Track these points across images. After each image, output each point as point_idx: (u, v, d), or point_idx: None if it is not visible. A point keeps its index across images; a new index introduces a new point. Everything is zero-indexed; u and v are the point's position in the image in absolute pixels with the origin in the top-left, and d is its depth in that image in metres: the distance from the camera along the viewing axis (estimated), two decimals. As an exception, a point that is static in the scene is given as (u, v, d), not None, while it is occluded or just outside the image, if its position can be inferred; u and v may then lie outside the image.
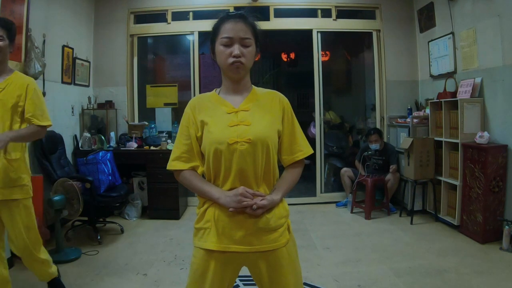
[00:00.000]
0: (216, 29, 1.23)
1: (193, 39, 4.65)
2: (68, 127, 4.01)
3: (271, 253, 1.21)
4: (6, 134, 1.86)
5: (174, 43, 5.34)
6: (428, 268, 2.71)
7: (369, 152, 4.21)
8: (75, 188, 2.99)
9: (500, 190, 3.15)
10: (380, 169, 4.27)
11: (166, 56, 5.61)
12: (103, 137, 4.13)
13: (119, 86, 4.61)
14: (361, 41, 5.39)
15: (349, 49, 6.09)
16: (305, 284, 2.39)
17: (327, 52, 5.68)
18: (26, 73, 3.19)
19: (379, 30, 4.71)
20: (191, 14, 4.67)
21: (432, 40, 4.28)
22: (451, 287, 2.43)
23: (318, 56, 4.68)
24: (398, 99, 4.68)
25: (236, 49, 1.18)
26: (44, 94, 3.53)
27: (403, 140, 4.01)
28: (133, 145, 4.15)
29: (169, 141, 4.25)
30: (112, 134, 4.32)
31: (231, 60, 1.19)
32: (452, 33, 3.88)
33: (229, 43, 1.19)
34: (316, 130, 4.72)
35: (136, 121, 4.60)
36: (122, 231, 3.60)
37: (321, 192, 4.74)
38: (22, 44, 3.15)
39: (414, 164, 3.74)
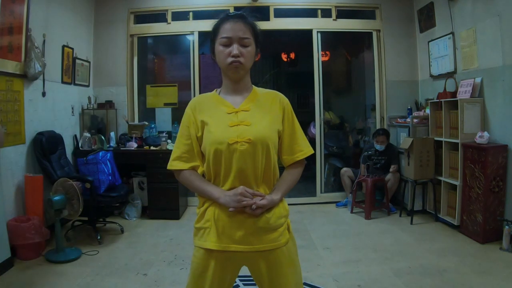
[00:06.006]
0: (216, 29, 1.24)
1: (193, 39, 4.65)
2: (68, 127, 4.01)
3: (271, 253, 1.21)
4: None
5: (174, 43, 5.34)
6: (428, 268, 2.71)
7: (369, 152, 4.21)
8: (75, 188, 2.99)
9: (500, 190, 3.15)
10: (381, 168, 4.27)
11: (166, 56, 5.61)
12: (103, 137, 4.13)
13: (119, 86, 4.61)
14: (361, 41, 5.39)
15: (349, 49, 6.09)
16: (305, 284, 2.39)
17: (327, 52, 5.67)
18: (26, 73, 3.19)
19: (379, 30, 4.71)
20: (191, 14, 4.66)
21: (432, 40, 4.28)
22: (451, 287, 2.43)
23: (318, 56, 4.68)
24: (398, 99, 4.68)
25: (234, 49, 1.19)
26: (44, 94, 3.54)
27: (403, 140, 4.01)
28: (133, 145, 4.15)
29: (169, 141, 4.25)
30: (112, 134, 4.32)
31: (230, 59, 1.19)
32: (452, 33, 3.88)
33: (228, 43, 1.20)
34: (316, 130, 4.72)
35: (136, 121, 4.60)
36: (122, 231, 3.60)
37: (321, 192, 4.74)
38: (22, 44, 3.14)
39: (414, 164, 3.74)
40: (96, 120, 4.44)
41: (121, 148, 4.17)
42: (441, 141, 3.69)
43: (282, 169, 1.33)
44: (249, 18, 1.24)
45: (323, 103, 4.75)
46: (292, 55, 6.48)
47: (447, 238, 3.34)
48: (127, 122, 4.40)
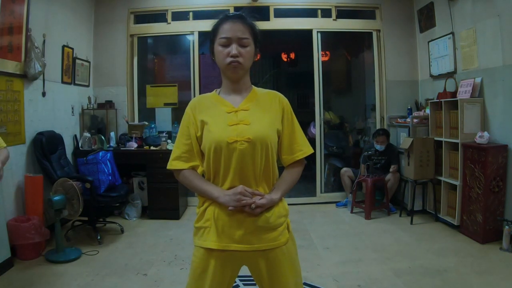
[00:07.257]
0: (215, 29, 1.24)
1: (193, 39, 4.65)
2: (68, 127, 4.01)
3: (270, 252, 1.21)
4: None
5: (174, 43, 5.34)
6: (428, 268, 2.71)
7: (369, 152, 4.21)
8: (75, 188, 2.99)
9: (500, 190, 3.15)
10: (381, 168, 4.27)
11: (166, 56, 5.61)
12: (103, 137, 4.13)
13: (119, 86, 4.61)
14: (361, 41, 5.39)
15: (349, 49, 6.08)
16: (305, 284, 2.39)
17: (327, 52, 5.67)
18: (26, 73, 3.19)
19: (379, 30, 4.71)
20: (191, 14, 4.66)
21: (432, 40, 4.28)
22: (451, 287, 2.43)
23: (318, 56, 4.68)
24: (398, 99, 4.68)
25: (233, 49, 1.19)
26: (44, 94, 3.54)
27: (403, 140, 4.01)
28: (133, 145, 4.15)
29: (169, 141, 4.25)
30: (112, 134, 4.32)
31: (228, 60, 1.20)
32: (452, 33, 3.88)
33: (227, 43, 1.20)
34: (316, 130, 4.72)
35: (136, 121, 4.60)
36: (122, 231, 3.60)
37: (321, 192, 4.74)
38: (22, 44, 3.14)
39: (414, 164, 3.74)
40: (96, 120, 4.44)
41: (121, 148, 4.17)
42: (441, 141, 3.69)
43: (282, 168, 1.33)
44: (248, 19, 1.24)
45: (323, 103, 4.75)
46: (292, 55, 6.48)
47: (447, 238, 3.34)
48: (127, 122, 4.40)
